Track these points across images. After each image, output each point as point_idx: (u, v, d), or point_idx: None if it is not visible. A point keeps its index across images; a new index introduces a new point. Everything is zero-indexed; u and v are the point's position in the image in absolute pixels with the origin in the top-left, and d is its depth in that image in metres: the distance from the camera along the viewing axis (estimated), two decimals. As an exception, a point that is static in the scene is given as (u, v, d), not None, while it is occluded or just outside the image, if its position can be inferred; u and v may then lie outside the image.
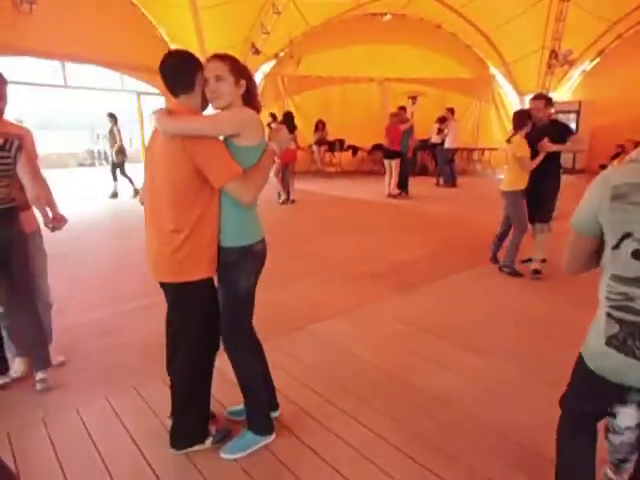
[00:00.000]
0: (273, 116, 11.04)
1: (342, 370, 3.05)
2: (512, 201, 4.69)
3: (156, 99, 11.58)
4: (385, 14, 12.95)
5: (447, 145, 11.21)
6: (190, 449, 2.25)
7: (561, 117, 12.51)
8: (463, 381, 2.90)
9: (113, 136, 9.58)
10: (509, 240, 4.85)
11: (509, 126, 14.85)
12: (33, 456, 2.29)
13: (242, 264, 2.08)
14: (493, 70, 14.32)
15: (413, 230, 7.19)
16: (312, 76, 13.40)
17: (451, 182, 11.41)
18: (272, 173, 8.09)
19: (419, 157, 13.61)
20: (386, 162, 9.91)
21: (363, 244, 6.24)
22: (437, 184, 11.67)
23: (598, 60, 13.26)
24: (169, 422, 2.32)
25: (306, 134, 12.81)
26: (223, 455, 2.22)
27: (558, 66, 12.66)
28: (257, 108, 2.08)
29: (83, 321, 3.82)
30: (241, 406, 2.41)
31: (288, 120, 8.91)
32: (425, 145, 12.90)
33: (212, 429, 2.32)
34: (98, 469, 2.17)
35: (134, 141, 21.46)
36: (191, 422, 2.24)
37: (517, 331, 3.63)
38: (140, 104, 11.23)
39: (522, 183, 4.59)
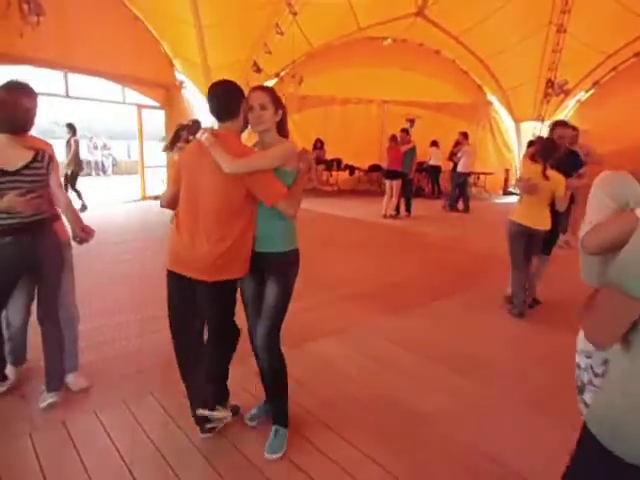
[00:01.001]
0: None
1: (331, 388, 3.04)
2: (541, 240, 4.33)
3: (156, 112, 11.68)
4: (386, 38, 13.19)
5: (459, 169, 11.08)
6: (212, 413, 2.41)
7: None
8: (452, 403, 2.90)
9: (69, 147, 9.44)
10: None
11: (505, 152, 15.12)
12: (17, 468, 2.25)
13: (295, 265, 2.45)
14: (490, 96, 14.57)
15: (408, 251, 7.22)
16: (312, 95, 13.55)
17: (455, 206, 11.24)
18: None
19: (415, 179, 13.71)
20: (387, 182, 9.92)
21: (358, 264, 6.26)
22: (443, 207, 11.45)
23: (593, 91, 13.54)
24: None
25: (304, 152, 12.90)
26: (271, 456, 2.37)
27: (554, 95, 12.90)
28: (286, 134, 2.43)
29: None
30: (254, 411, 2.68)
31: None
32: (421, 168, 13.00)
33: (228, 405, 2.56)
34: (83, 484, 2.15)
35: (132, 153, 21.61)
36: (219, 389, 2.51)
37: (508, 355, 3.64)
38: (141, 116, 11.28)
39: (550, 222, 4.28)
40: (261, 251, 2.34)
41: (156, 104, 11.46)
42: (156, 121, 12.20)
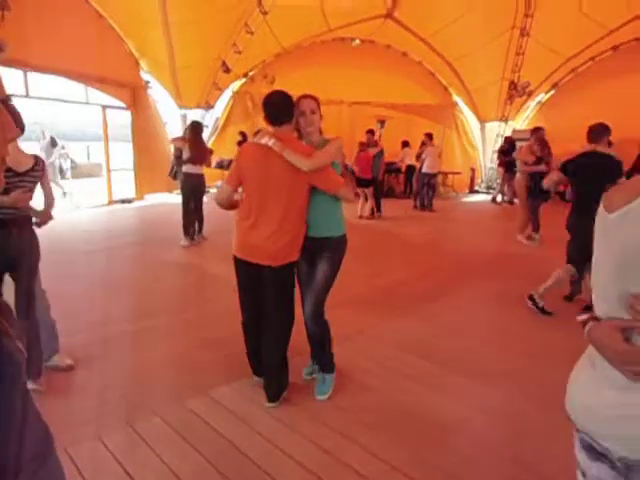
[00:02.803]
0: (243, 134, 10.96)
1: (345, 397, 2.97)
2: None
3: (121, 112, 11.26)
4: (354, 39, 13.23)
5: (423, 170, 11.14)
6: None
7: (520, 145, 13.15)
8: (464, 407, 2.88)
9: None
10: None
11: (471, 151, 15.38)
12: None
13: (345, 247, 2.87)
14: (456, 97, 14.86)
15: (391, 253, 7.22)
16: (282, 96, 13.40)
17: (424, 206, 11.39)
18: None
19: (385, 180, 13.80)
20: (359, 190, 9.91)
21: (344, 267, 6.18)
22: (414, 207, 11.61)
23: (553, 92, 14.03)
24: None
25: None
26: (321, 397, 2.89)
27: (517, 97, 13.29)
28: (321, 132, 2.84)
29: (64, 347, 3.53)
30: (309, 367, 3.18)
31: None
32: (391, 168, 13.08)
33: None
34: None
35: (92, 154, 20.77)
36: (285, 376, 2.87)
37: (510, 354, 3.66)
38: (105, 117, 10.83)
39: None
40: (318, 236, 2.75)
41: (122, 104, 11.05)
42: (117, 121, 11.71)
